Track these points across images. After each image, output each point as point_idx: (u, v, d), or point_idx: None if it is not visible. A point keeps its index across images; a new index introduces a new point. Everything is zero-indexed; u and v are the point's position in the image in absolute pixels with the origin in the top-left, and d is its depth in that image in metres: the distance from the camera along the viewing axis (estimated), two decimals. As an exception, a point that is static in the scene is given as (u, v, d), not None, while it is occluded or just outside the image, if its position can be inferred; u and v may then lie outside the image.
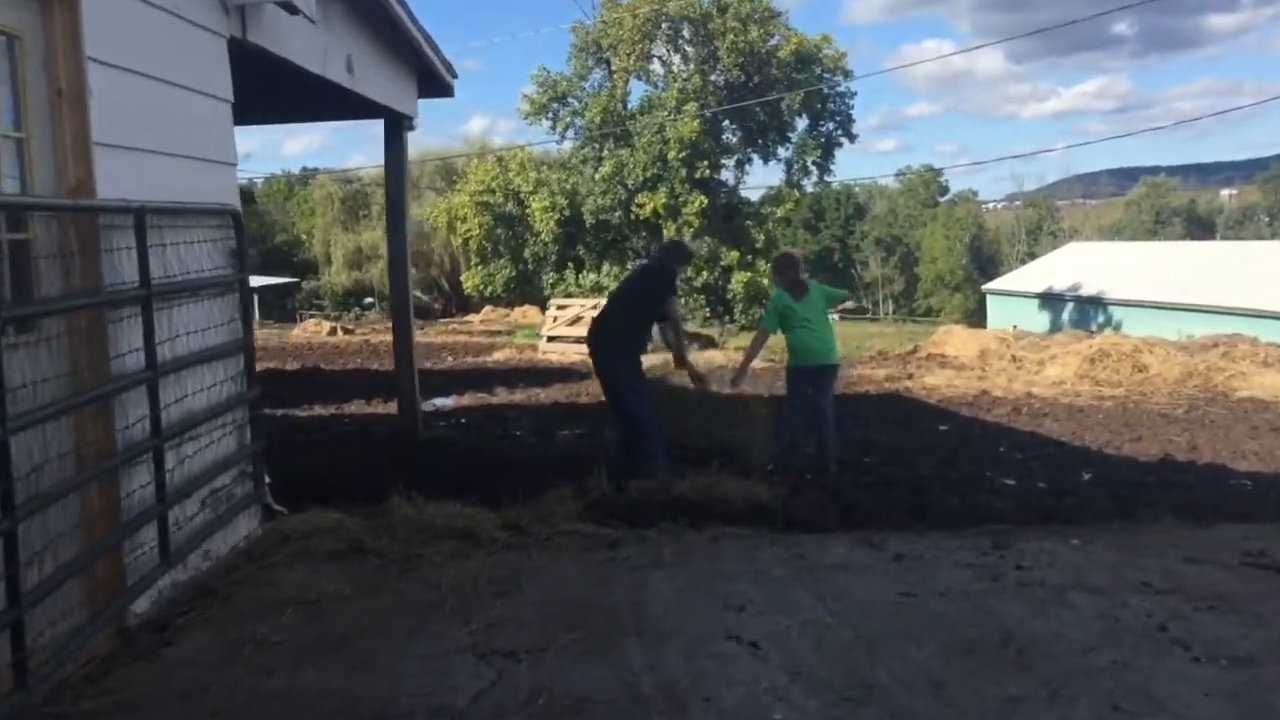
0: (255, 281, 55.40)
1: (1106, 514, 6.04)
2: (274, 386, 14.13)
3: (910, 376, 14.43)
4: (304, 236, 75.04)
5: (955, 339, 17.41)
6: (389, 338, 28.68)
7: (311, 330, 33.34)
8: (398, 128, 8.49)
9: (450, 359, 20.08)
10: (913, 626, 4.00)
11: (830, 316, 8.43)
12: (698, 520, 5.75)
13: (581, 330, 19.90)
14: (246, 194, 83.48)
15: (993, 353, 15.79)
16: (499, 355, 19.68)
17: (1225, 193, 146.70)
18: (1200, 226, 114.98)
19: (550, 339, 19.69)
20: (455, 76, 9.11)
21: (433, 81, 8.85)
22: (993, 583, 4.54)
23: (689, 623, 4.09)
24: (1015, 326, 53.95)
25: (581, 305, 20.50)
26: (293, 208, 79.53)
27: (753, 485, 6.54)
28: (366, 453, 8.06)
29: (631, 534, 5.45)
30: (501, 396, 13.39)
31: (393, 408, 12.14)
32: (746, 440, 7.92)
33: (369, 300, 68.30)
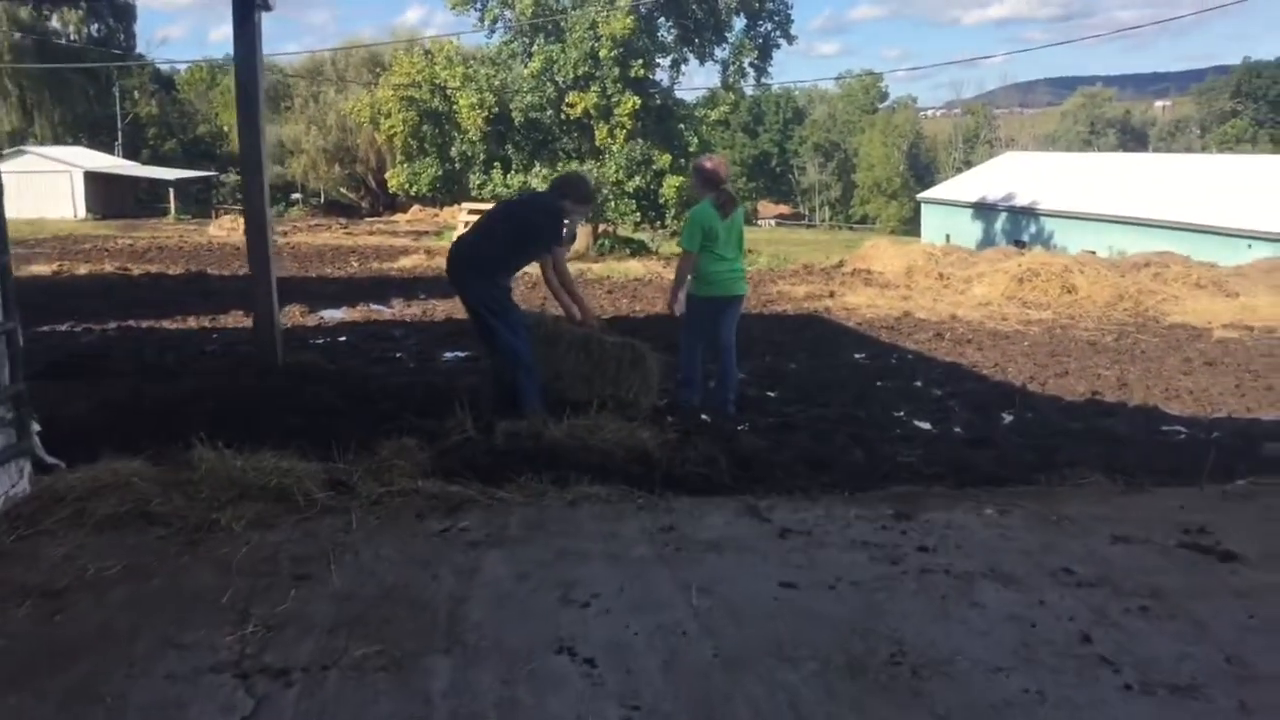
0: (171, 175, 53.28)
1: (1027, 469, 5.35)
2: (150, 294, 13.07)
3: (831, 295, 13.70)
4: (225, 129, 72.16)
5: (882, 254, 16.67)
6: (309, 238, 27.56)
7: (228, 228, 31.74)
8: (248, 5, 7.37)
9: (355, 264, 18.98)
10: (789, 635, 3.27)
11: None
12: (565, 475, 4.98)
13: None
14: (167, 81, 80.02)
15: (919, 269, 15.11)
16: (406, 261, 18.59)
17: (1160, 104, 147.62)
18: (1134, 138, 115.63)
19: (461, 244, 18.65)
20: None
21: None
22: (891, 567, 3.82)
23: (516, 628, 3.32)
24: (948, 237, 54.23)
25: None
26: (215, 98, 76.31)
27: (637, 430, 5.74)
28: (207, 383, 7.11)
29: (481, 494, 4.65)
30: (396, 310, 12.45)
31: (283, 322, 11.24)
32: (635, 382, 7.03)
33: (295, 196, 66.07)
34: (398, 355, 9.06)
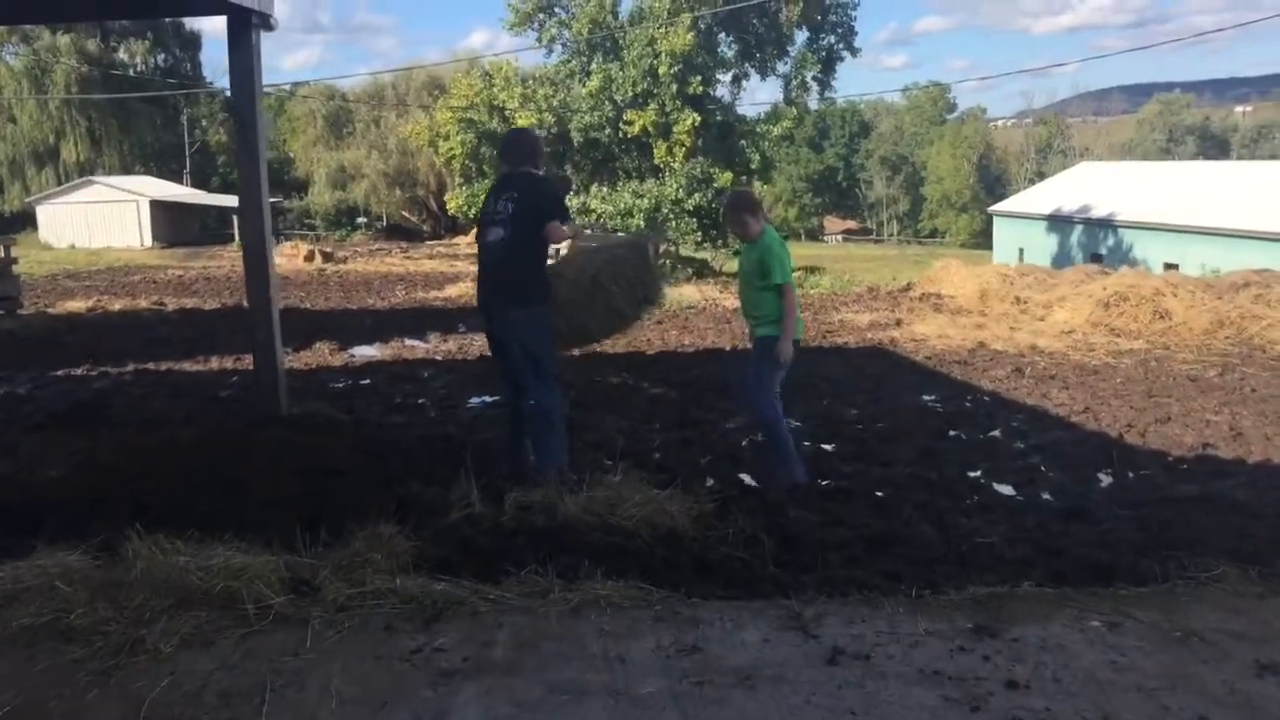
0: (235, 202, 53.97)
1: (1134, 553, 4.42)
2: (179, 331, 12.57)
3: (899, 323, 12.69)
4: (292, 155, 73.01)
5: (953, 276, 15.60)
6: (362, 265, 27.16)
7: (288, 254, 31.34)
8: (244, 26, 6.73)
9: (401, 294, 18.39)
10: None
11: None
12: (577, 562, 4.19)
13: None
14: (236, 111, 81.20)
15: (994, 293, 14.03)
16: (452, 290, 17.92)
17: (1240, 109, 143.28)
18: (1215, 145, 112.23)
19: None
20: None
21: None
22: (971, 716, 2.96)
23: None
24: (1021, 251, 52.64)
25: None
26: (283, 125, 77.21)
27: (666, 503, 4.92)
28: (195, 439, 6.42)
29: (473, 592, 3.87)
30: (431, 345, 11.75)
31: (305, 360, 10.62)
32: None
33: (361, 220, 66.40)
34: (420, 401, 8.32)
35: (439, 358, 10.82)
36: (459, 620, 3.67)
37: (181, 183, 61.44)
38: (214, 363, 10.34)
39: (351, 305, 16.44)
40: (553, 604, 3.80)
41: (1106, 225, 47.63)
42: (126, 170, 58.13)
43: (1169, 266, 38.75)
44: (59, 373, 9.82)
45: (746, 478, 5.99)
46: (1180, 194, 46.02)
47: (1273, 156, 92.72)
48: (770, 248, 5.86)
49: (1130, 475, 6.08)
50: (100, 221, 49.45)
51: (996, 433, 7.31)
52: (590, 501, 4.95)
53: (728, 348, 11.34)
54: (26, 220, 54.26)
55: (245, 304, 15.31)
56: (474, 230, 48.07)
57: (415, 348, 11.55)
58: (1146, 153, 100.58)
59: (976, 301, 13.85)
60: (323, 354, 10.91)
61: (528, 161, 5.98)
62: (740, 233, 6.12)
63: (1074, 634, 3.47)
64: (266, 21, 6.84)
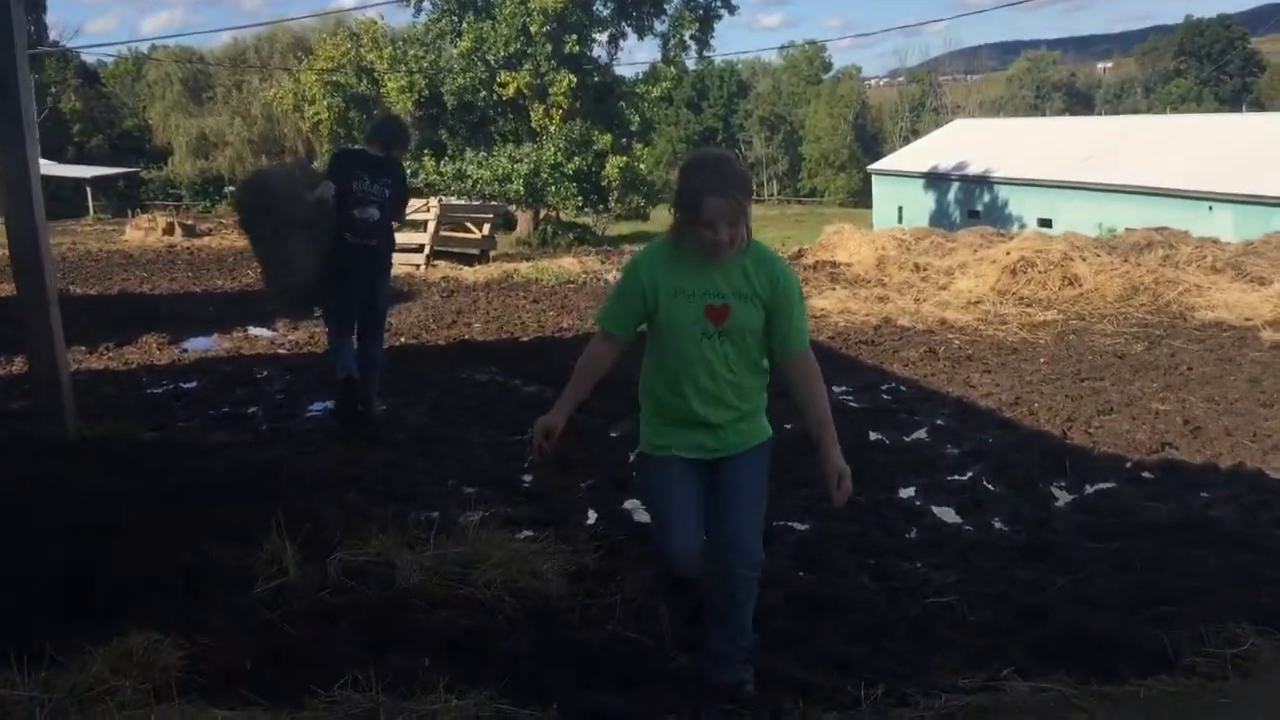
0: (89, 173, 50.52)
1: (1127, 611, 3.53)
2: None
3: (797, 297, 11.83)
4: (150, 121, 69.23)
5: (847, 242, 14.74)
6: (217, 240, 25.29)
7: (145, 228, 29.07)
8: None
9: (253, 273, 16.82)
10: None
11: None
12: (416, 661, 3.13)
13: (419, 238, 16.86)
14: (91, 74, 76.38)
15: (892, 260, 13.21)
16: (311, 268, 16.45)
17: (1102, 65, 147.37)
18: (1080, 101, 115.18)
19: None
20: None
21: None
22: None
23: None
24: (901, 209, 52.84)
25: (422, 205, 17.30)
26: (143, 90, 73.09)
27: (536, 558, 3.88)
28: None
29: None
30: (277, 333, 10.44)
31: (127, 358, 9.21)
32: None
33: (228, 189, 63.15)
34: (251, 410, 7.08)
35: (284, 350, 9.52)
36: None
37: (29, 153, 57.42)
38: (17, 364, 8.83)
39: (197, 288, 14.88)
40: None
41: (982, 182, 48.01)
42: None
43: (1043, 223, 39.11)
44: None
45: (637, 510, 4.94)
46: (1050, 150, 46.59)
47: (1134, 111, 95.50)
48: (789, 279, 3.17)
49: (1089, 489, 5.21)
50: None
51: (923, 433, 6.38)
52: (438, 561, 3.87)
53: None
54: None
55: (71, 289, 13.87)
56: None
57: (259, 338, 10.22)
58: (1016, 109, 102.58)
59: (874, 269, 13.04)
60: (149, 349, 9.50)
61: (400, 148, 6.95)
62: (725, 239, 2.96)
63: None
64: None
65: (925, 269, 12.57)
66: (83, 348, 9.31)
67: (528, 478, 5.46)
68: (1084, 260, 11.06)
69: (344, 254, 6.40)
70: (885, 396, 7.41)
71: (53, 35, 66.51)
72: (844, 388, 7.54)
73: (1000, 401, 7.13)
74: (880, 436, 6.35)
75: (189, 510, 4.70)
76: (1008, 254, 11.48)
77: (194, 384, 8.05)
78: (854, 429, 6.15)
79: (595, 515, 4.83)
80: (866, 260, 13.50)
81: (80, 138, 68.04)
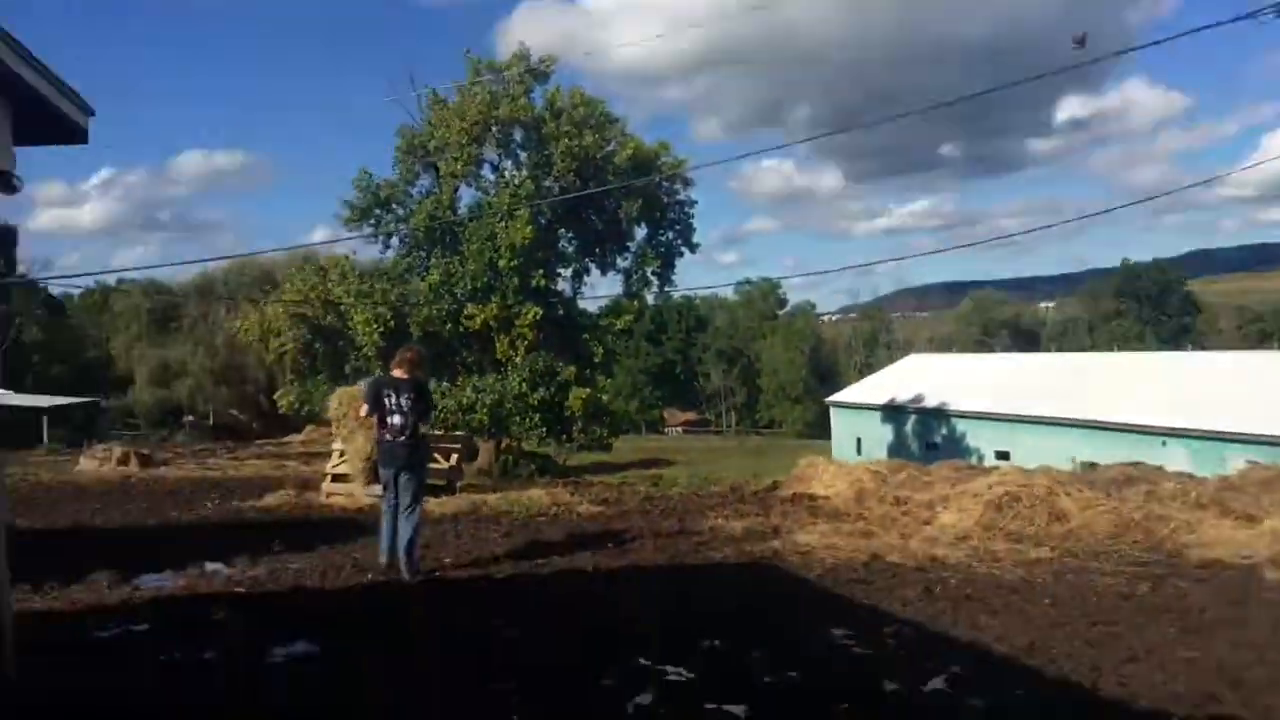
0: (46, 402, 50.04)
1: None
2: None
3: (776, 531, 11.44)
4: (113, 351, 69.59)
5: (823, 474, 14.62)
6: (175, 471, 24.74)
7: (99, 458, 28.32)
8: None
9: (212, 504, 16.30)
10: None
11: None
12: None
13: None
14: (56, 306, 77.10)
15: (870, 493, 13.05)
16: (271, 499, 15.89)
17: (1045, 305, 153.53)
18: (1025, 338, 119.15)
19: (335, 478, 16.12)
20: (91, 114, 5.95)
21: (48, 120, 5.67)
22: None
23: None
24: (860, 441, 53.36)
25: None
26: (107, 322, 73.81)
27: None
28: None
29: None
30: (235, 570, 9.93)
31: (74, 598, 8.66)
32: None
33: (187, 419, 62.78)
34: (207, 657, 6.54)
35: (242, 589, 9.00)
36: None
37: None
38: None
39: (152, 520, 14.33)
40: None
41: (940, 415, 48.80)
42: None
43: (1000, 455, 39.60)
44: None
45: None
46: (1004, 385, 47.67)
47: (1080, 348, 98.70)
48: None
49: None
50: None
51: (939, 682, 5.95)
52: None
53: (589, 568, 9.87)
54: None
55: (15, 523, 13.24)
56: (308, 427, 45.72)
57: (216, 575, 9.70)
58: (965, 345, 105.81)
59: (853, 503, 12.84)
60: (99, 588, 8.95)
61: (420, 372, 9.96)
62: None
63: None
64: (7, 180, 5.39)
65: (906, 502, 12.38)
66: (27, 586, 8.76)
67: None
68: (1068, 495, 10.94)
69: (382, 450, 9.66)
70: (890, 641, 6.98)
71: (21, 269, 67.26)
72: (843, 630, 7.13)
73: (1015, 647, 6.73)
74: (895, 686, 5.89)
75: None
76: (990, 488, 11.35)
77: (145, 626, 7.50)
78: (864, 677, 5.74)
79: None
80: (844, 493, 13.33)
81: (40, 367, 68.05)
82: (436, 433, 24.12)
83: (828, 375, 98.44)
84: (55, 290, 78.09)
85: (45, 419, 49.21)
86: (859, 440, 54.73)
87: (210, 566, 10.05)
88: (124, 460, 26.87)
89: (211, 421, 61.92)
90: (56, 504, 16.53)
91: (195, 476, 21.82)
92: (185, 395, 60.45)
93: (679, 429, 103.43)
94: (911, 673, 6.18)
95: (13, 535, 6.15)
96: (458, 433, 26.68)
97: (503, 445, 33.30)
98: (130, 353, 64.15)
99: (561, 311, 33.77)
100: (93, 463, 27.01)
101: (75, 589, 8.93)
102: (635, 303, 35.03)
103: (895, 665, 6.36)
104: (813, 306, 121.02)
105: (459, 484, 16.64)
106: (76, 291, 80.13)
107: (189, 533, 12.99)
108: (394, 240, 33.50)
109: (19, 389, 55.01)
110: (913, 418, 51.73)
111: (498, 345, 31.96)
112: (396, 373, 9.64)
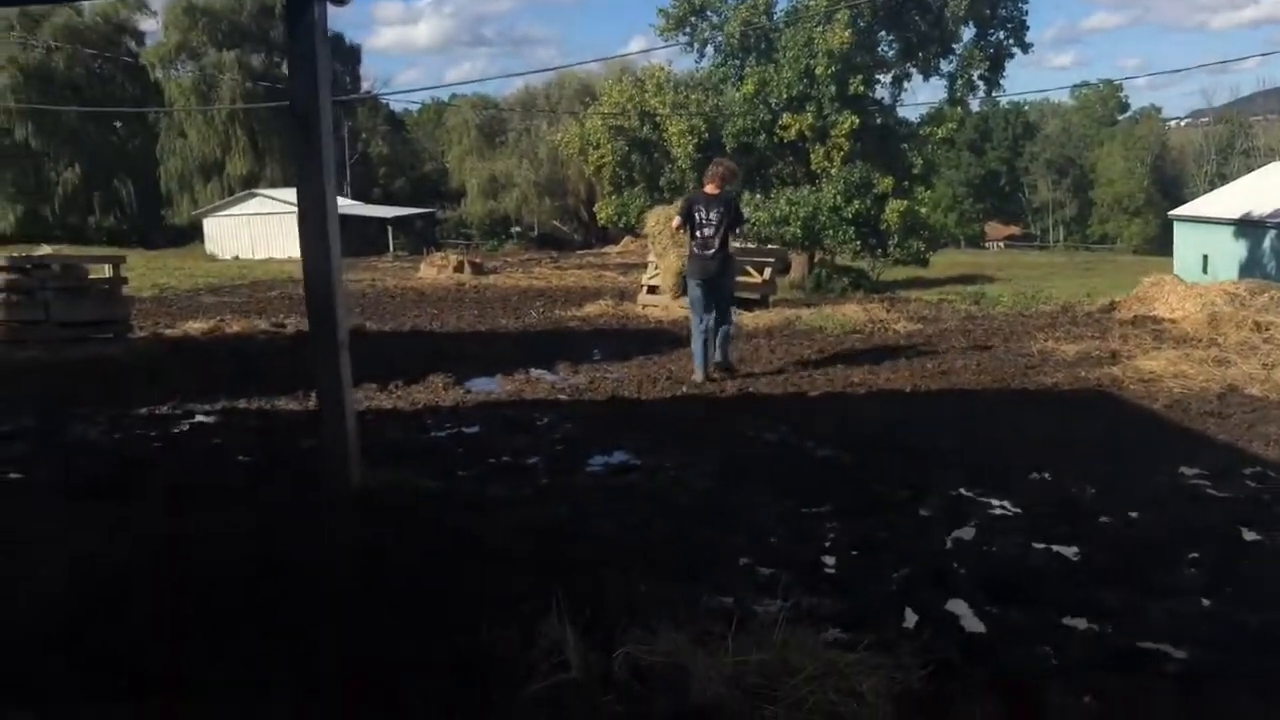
0: (390, 213, 54.01)
1: None
2: (284, 361, 11.38)
3: (1114, 356, 10.54)
4: (447, 165, 73.80)
5: (1169, 295, 13.21)
6: (503, 279, 26.08)
7: (438, 265, 30.36)
8: None
9: (536, 312, 17.05)
10: None
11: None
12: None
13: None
14: (397, 121, 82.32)
15: (1225, 316, 11.64)
16: (592, 309, 16.39)
17: None
18: None
19: (650, 289, 16.36)
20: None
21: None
22: None
23: None
24: (1206, 258, 48.74)
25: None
26: (441, 136, 78.05)
27: (855, 670, 3.29)
28: (223, 536, 5.01)
29: None
30: (559, 376, 10.31)
31: (414, 397, 9.28)
32: None
33: (515, 229, 66.19)
34: (531, 461, 6.82)
35: (564, 396, 9.33)
36: None
37: (342, 194, 62.25)
38: (313, 400, 9.07)
39: (483, 326, 15.15)
40: None
41: (1309, 232, 43.56)
42: (289, 183, 59.21)
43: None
44: (142, 410, 8.70)
45: (966, 616, 4.20)
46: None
47: None
48: None
49: None
50: (263, 233, 50.20)
51: (1318, 535, 5.26)
52: (739, 669, 3.33)
53: (908, 389, 9.50)
54: (194, 232, 55.73)
55: (366, 326, 14.40)
56: (625, 238, 47.02)
57: (540, 381, 10.11)
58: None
59: (1206, 328, 11.56)
60: (436, 389, 9.55)
61: (730, 186, 10.42)
62: None
63: None
64: (338, -8, 5.43)
65: (1268, 328, 11.04)
66: (374, 385, 9.47)
67: (831, 565, 4.82)
68: None
69: (692, 262, 10.16)
70: (1250, 483, 6.21)
71: (365, 85, 71.82)
72: (1196, 470, 6.41)
73: None
74: (1258, 536, 5.24)
75: (466, 580, 4.39)
76: (1380, 312, 9.86)
77: (476, 429, 7.94)
78: (1218, 521, 5.13)
79: (915, 618, 4.13)
80: (1194, 316, 12.03)
81: (385, 180, 73.13)
82: (750, 245, 24.13)
83: (1172, 187, 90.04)
84: (395, 106, 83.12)
85: (390, 228, 53.05)
86: (1205, 258, 49.94)
87: (535, 372, 10.49)
88: (459, 268, 28.58)
89: (536, 232, 64.90)
90: (401, 308, 17.83)
91: (521, 285, 22.89)
92: (512, 207, 63.46)
93: (1000, 243, 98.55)
94: (1276, 522, 5.45)
95: (363, 338, 6.56)
96: (771, 246, 26.43)
97: (816, 259, 32.86)
98: (462, 165, 67.70)
99: (879, 120, 32.45)
100: (431, 270, 28.88)
101: (415, 389, 9.55)
102: (958, 109, 33.24)
103: (1259, 512, 5.62)
104: (1158, 111, 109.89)
105: (771, 298, 16.49)
106: (415, 107, 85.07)
107: (515, 339, 13.65)
108: (709, 49, 32.99)
109: (367, 200, 59.65)
110: (1272, 233, 46.45)
111: (813, 156, 31.18)
112: (709, 188, 10.03)
